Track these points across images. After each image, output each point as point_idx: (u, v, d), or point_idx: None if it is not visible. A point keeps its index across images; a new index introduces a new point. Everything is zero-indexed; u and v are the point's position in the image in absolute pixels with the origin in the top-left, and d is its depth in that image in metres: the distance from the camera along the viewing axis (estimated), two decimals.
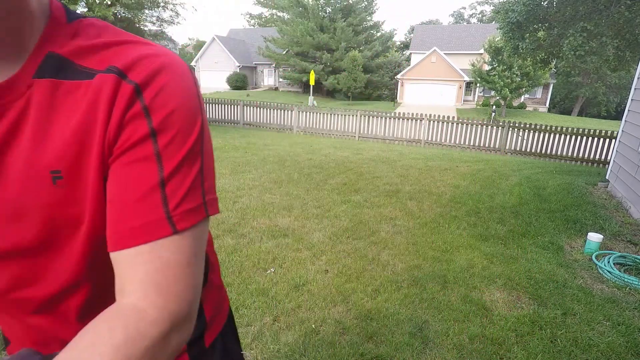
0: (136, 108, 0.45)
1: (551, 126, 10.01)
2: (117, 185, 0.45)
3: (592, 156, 9.55)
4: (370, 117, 11.74)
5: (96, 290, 0.54)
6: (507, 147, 10.48)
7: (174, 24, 11.65)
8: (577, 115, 34.49)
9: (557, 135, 9.88)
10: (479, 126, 10.66)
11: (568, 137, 9.79)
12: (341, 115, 12.07)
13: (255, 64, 39.96)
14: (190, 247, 0.46)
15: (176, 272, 0.44)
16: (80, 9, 9.57)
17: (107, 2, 9.35)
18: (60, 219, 0.47)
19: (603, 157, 9.40)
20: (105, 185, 0.46)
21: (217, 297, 0.73)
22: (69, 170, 0.45)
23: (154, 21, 11.59)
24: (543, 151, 10.09)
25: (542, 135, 10.04)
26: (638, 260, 3.27)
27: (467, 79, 29.94)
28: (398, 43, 49.56)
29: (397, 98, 32.64)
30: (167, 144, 0.45)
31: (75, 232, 0.48)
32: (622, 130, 5.40)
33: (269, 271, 2.95)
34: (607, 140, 9.32)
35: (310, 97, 24.55)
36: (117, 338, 0.38)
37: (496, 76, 23.02)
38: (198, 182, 0.48)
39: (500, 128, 10.49)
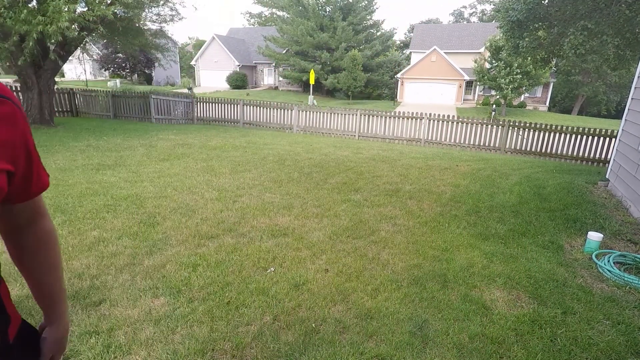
0: (24, 117, 0.71)
1: (551, 125, 10.02)
2: (26, 164, 0.73)
3: (592, 155, 9.55)
4: (370, 116, 11.75)
5: None
6: (507, 146, 10.48)
7: (174, 22, 11.59)
8: (577, 114, 34.48)
9: (557, 134, 9.89)
10: (479, 125, 10.66)
11: (568, 136, 9.79)
12: (341, 114, 12.07)
13: (255, 63, 39.93)
14: None
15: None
16: (80, 9, 9.54)
17: (106, 1, 9.31)
18: None
19: (603, 156, 9.40)
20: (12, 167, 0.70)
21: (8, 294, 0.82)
22: None
23: (154, 19, 11.54)
24: (543, 150, 10.09)
25: (542, 134, 10.04)
26: (638, 259, 3.27)
27: (467, 77, 29.92)
28: (398, 42, 49.52)
29: (397, 97, 32.62)
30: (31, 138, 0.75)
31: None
32: (623, 129, 5.40)
33: (269, 270, 2.95)
34: (607, 139, 9.33)
35: (310, 97, 24.56)
36: (54, 240, 0.87)
37: (501, 73, 23.01)
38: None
39: (500, 127, 10.49)
